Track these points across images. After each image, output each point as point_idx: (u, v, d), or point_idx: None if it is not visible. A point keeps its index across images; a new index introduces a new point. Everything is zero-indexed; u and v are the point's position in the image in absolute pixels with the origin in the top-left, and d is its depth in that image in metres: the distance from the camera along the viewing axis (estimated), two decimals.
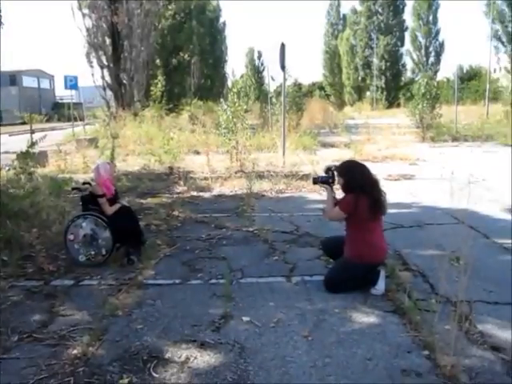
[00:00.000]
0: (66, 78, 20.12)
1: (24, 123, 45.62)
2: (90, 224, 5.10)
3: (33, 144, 9.39)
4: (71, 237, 5.12)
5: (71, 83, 19.68)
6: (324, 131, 22.57)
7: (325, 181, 4.56)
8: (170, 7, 25.37)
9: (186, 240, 6.12)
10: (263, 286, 4.59)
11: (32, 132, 13.50)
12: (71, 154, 14.96)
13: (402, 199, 8.21)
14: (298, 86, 22.58)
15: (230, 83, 57.58)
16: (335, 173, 4.51)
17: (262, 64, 65.88)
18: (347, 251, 4.38)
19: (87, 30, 21.16)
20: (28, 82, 57.99)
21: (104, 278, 4.85)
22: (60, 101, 57.34)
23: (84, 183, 5.37)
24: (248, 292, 4.44)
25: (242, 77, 70.21)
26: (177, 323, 3.85)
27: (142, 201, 8.47)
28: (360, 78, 58.67)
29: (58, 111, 51.77)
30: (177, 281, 4.76)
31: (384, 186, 4.63)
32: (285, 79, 11.27)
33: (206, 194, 9.13)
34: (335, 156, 12.69)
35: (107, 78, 22.45)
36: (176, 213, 7.39)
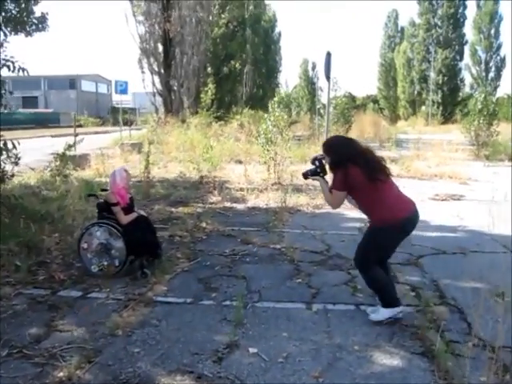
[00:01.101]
0: (116, 82, 20.44)
1: (80, 126, 47.32)
2: (104, 233, 4.86)
3: (70, 146, 9.41)
4: (85, 245, 4.90)
5: (121, 88, 19.95)
6: (373, 145, 21.82)
7: (314, 173, 4.18)
8: (223, 16, 25.43)
9: (207, 254, 5.80)
10: (280, 312, 4.18)
11: (76, 135, 13.68)
12: (114, 158, 15.11)
13: (448, 222, 7.61)
14: (351, 98, 22.08)
15: (283, 93, 57.33)
16: (323, 161, 4.14)
17: (315, 75, 65.48)
18: (370, 222, 4.06)
19: (140, 36, 21.45)
20: (86, 86, 60.02)
21: (113, 291, 4.58)
22: (116, 105, 59.02)
23: (102, 190, 5.15)
24: (262, 318, 4.05)
25: (295, 87, 70.10)
26: (177, 349, 3.51)
27: (173, 209, 8.24)
28: (416, 92, 57.06)
29: (114, 115, 53.20)
30: (188, 300, 4.42)
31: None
32: (329, 89, 10.83)
33: (240, 206, 8.80)
34: None
35: (157, 84, 22.67)
36: (203, 224, 7.10)
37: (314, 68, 68.16)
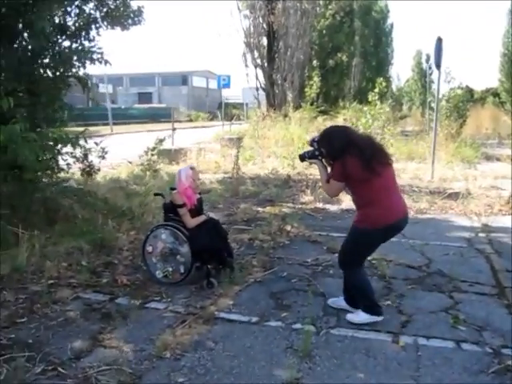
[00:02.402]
0: (219, 77, 20.46)
1: (190, 120, 48.87)
2: (169, 236, 4.44)
3: (160, 141, 9.30)
4: (149, 248, 4.51)
5: (224, 82, 19.93)
6: (492, 142, 19.80)
7: (312, 155, 3.86)
8: (329, 7, 24.50)
9: (286, 263, 5.19)
10: (359, 343, 3.46)
11: (174, 129, 13.73)
12: (212, 153, 14.96)
13: None
14: (468, 91, 20.14)
15: (394, 87, 55.17)
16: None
17: (429, 68, 61.80)
18: (355, 218, 3.82)
19: (244, 30, 21.26)
20: (197, 82, 61.88)
21: (174, 301, 4.14)
22: (226, 101, 60.24)
23: (171, 189, 4.73)
24: (335, 350, 3.36)
25: (407, 81, 66.73)
26: (227, 383, 2.95)
27: (259, 209, 7.71)
28: None
29: (223, 111, 54.36)
30: (253, 319, 3.85)
31: None
32: (439, 79, 9.66)
33: (333, 207, 8.06)
34: (498, 172, 10.70)
35: (261, 78, 22.37)
36: (288, 227, 6.48)
37: (427, 60, 64.12)
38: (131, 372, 3.05)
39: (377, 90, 9.84)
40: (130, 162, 10.67)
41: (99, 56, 6.51)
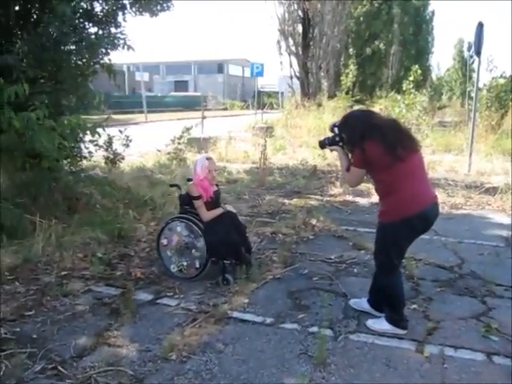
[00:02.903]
0: (252, 65, 20.17)
1: (225, 109, 48.77)
2: (185, 229, 4.26)
3: (187, 129, 9.15)
4: (164, 241, 4.34)
5: (257, 70, 19.62)
6: None
7: (333, 141, 3.55)
8: None
9: (308, 259, 4.94)
10: (379, 351, 3.20)
11: (203, 117, 13.57)
12: (243, 142, 14.74)
13: None
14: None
15: (434, 77, 53.55)
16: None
17: (471, 57, 59.74)
18: (378, 212, 3.47)
19: (278, 17, 20.89)
20: (233, 70, 61.67)
21: (187, 298, 3.96)
22: (261, 89, 59.83)
23: (188, 179, 4.54)
24: (353, 359, 3.11)
25: (447, 70, 64.78)
26: None
27: (286, 201, 7.46)
28: None
29: (259, 99, 54.09)
30: (268, 320, 3.63)
31: None
32: (479, 66, 9.11)
33: (363, 200, 7.74)
34: None
35: (295, 66, 21.99)
36: (314, 221, 6.22)
37: (469, 48, 61.97)
38: (132, 374, 2.88)
39: (412, 78, 9.35)
40: (159, 151, 10.57)
41: (122, 42, 6.38)
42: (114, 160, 7.34)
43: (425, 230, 3.43)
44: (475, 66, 9.81)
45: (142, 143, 11.67)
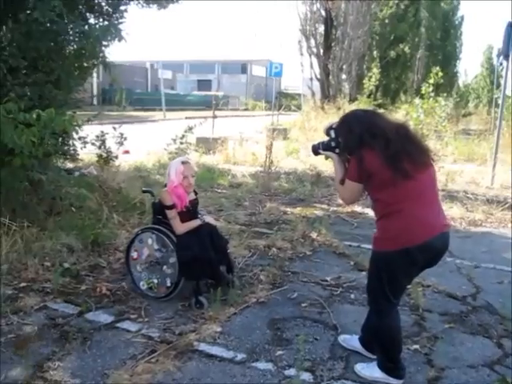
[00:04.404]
0: (270, 64, 19.64)
1: (247, 109, 48.35)
2: (157, 242, 3.76)
3: (190, 129, 8.67)
4: (134, 254, 3.85)
5: (276, 70, 19.08)
6: None
7: (327, 147, 2.91)
8: None
9: (301, 280, 4.39)
10: None
11: (214, 117, 13.10)
12: (260, 144, 14.21)
13: None
14: None
15: (460, 83, 52.48)
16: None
17: (500, 64, 58.23)
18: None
19: (300, 17, 20.35)
20: (257, 70, 61.25)
21: (151, 323, 3.45)
22: (284, 90, 59.22)
23: (165, 185, 4.04)
24: None
25: (475, 77, 63.33)
26: None
27: (289, 209, 6.91)
28: None
29: (282, 100, 53.69)
30: (239, 356, 3.09)
31: None
32: (507, 70, 8.39)
33: (372, 213, 7.12)
34: None
35: (316, 67, 21.43)
36: (314, 234, 5.67)
37: (499, 55, 60.67)
38: None
39: (432, 80, 8.69)
40: (166, 149, 10.13)
41: (115, 33, 5.94)
42: (106, 158, 6.90)
43: (430, 263, 2.83)
44: (504, 72, 9.13)
45: (153, 141, 11.26)
